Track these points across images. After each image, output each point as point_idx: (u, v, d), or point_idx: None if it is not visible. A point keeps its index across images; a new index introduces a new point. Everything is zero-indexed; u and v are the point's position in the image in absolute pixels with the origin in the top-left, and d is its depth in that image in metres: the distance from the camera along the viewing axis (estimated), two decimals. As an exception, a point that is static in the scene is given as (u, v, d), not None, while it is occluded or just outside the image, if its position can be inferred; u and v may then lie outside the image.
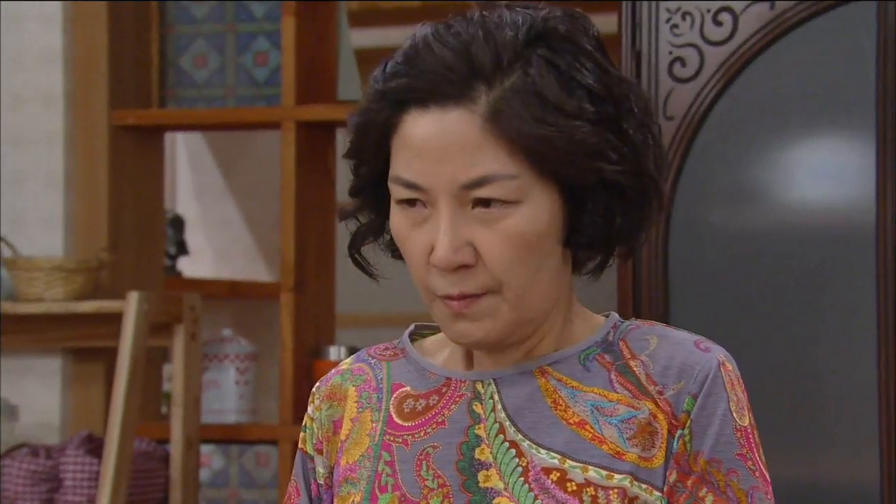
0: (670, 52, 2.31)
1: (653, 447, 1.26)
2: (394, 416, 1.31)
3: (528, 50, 1.23)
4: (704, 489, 1.26)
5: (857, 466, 2.24)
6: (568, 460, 1.26)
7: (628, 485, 1.25)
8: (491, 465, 1.27)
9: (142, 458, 2.92)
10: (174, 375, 2.92)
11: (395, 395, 1.32)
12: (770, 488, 1.28)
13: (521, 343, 1.29)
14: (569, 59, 1.24)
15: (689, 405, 1.26)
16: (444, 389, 1.30)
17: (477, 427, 1.28)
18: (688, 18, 2.31)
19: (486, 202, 1.23)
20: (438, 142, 1.22)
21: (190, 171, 4.40)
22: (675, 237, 2.31)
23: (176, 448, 2.88)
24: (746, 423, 1.28)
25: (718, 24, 2.30)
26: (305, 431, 1.36)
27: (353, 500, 1.30)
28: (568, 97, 1.22)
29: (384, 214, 1.29)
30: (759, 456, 1.28)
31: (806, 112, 2.29)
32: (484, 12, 1.27)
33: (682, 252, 2.31)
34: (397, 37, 4.45)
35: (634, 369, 1.28)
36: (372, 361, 1.35)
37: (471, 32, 1.24)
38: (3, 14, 3.14)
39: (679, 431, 1.26)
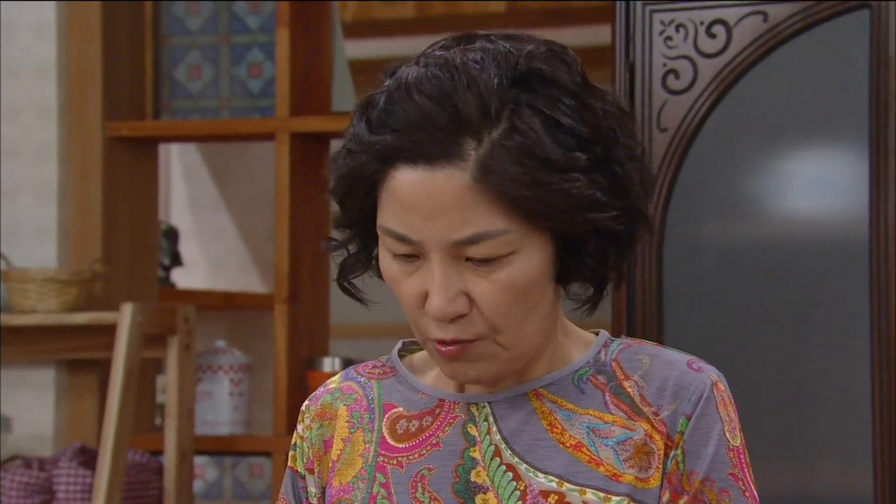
0: (664, 64, 2.31)
1: (649, 468, 1.26)
2: (387, 437, 1.30)
3: (513, 93, 1.21)
4: None
5: (851, 477, 2.24)
6: (566, 483, 1.25)
7: None
8: (488, 488, 1.27)
9: (135, 470, 2.91)
10: (168, 387, 2.91)
11: (387, 416, 1.31)
12: None
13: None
14: (554, 102, 1.21)
15: (684, 426, 1.27)
16: (437, 411, 1.30)
17: (472, 450, 1.28)
18: (681, 30, 2.31)
19: (478, 259, 1.22)
20: (428, 199, 1.21)
21: (184, 183, 4.40)
22: (668, 248, 2.31)
23: (170, 460, 2.87)
24: (738, 443, 1.28)
25: (712, 36, 2.30)
26: (296, 450, 1.35)
27: None
28: (558, 148, 1.20)
29: (372, 244, 1.28)
30: (750, 475, 1.29)
31: (799, 124, 2.29)
32: (466, 47, 1.24)
33: (675, 263, 2.31)
34: (392, 48, 4.45)
35: (628, 390, 1.28)
36: (361, 380, 1.34)
37: (453, 79, 1.21)
38: (-2, 25, 3.14)
39: (672, 452, 1.26)
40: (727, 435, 1.27)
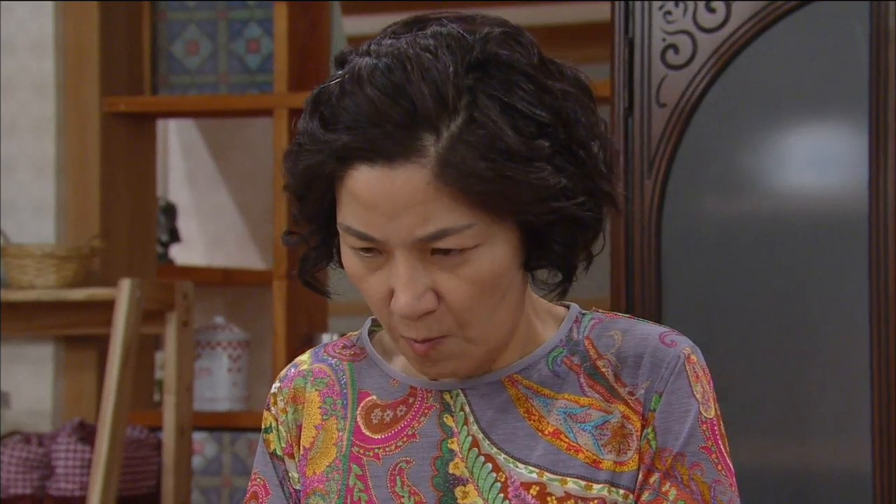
0: (663, 39, 2.30)
1: (628, 450, 1.24)
2: (361, 426, 1.27)
3: (469, 81, 1.17)
4: (668, 483, 1.24)
5: (849, 452, 2.24)
6: (546, 473, 1.24)
7: (607, 494, 1.23)
8: (468, 480, 1.24)
9: (134, 446, 2.92)
10: (166, 363, 2.91)
11: (361, 405, 1.28)
12: (734, 479, 1.27)
13: None
14: (512, 88, 1.17)
15: (656, 403, 1.25)
16: (410, 400, 1.27)
17: (450, 441, 1.25)
18: (681, 5, 2.30)
19: (445, 250, 1.18)
20: (388, 198, 1.17)
21: (182, 159, 4.39)
22: (667, 224, 2.30)
23: (168, 435, 2.88)
24: (712, 414, 1.26)
25: (711, 10, 2.30)
26: (271, 433, 1.31)
27: None
28: (519, 138, 1.16)
29: (333, 238, 1.24)
30: (724, 447, 1.27)
31: (799, 99, 2.29)
32: (417, 33, 1.19)
33: (674, 239, 2.31)
34: (390, 23, 4.44)
35: (602, 370, 1.26)
36: (332, 362, 1.31)
37: (406, 70, 1.16)
38: (-5, 0, 3.13)
39: (644, 430, 1.25)
40: (700, 407, 1.26)
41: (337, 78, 1.19)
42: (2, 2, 3.13)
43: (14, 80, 3.12)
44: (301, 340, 3.13)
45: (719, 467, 1.26)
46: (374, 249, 1.20)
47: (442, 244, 1.18)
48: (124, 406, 2.78)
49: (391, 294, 1.20)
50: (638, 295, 2.30)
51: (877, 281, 2.22)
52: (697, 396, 1.26)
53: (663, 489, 1.24)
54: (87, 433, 2.90)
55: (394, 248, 1.19)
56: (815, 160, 2.29)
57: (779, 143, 2.30)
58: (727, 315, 2.29)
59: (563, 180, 1.18)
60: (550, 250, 1.22)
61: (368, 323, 1.33)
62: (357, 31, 3.56)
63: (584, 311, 1.30)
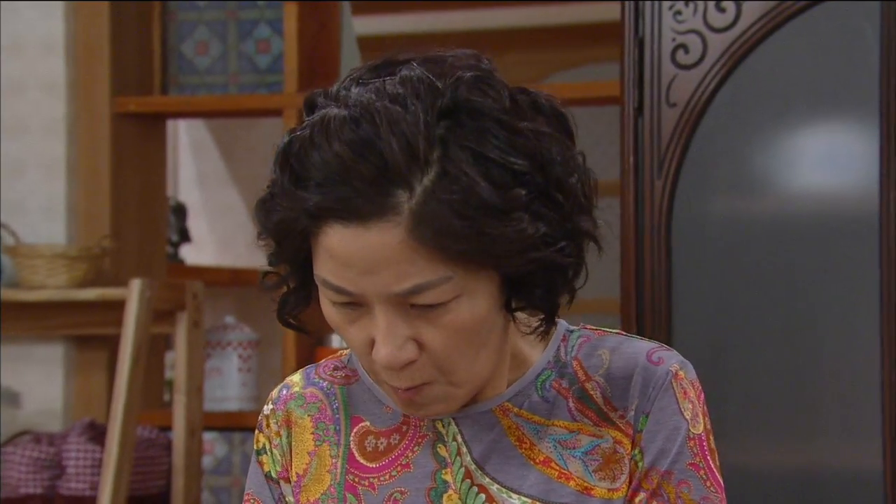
0: (673, 39, 2.30)
1: (621, 475, 1.23)
2: (356, 454, 1.27)
3: (440, 132, 1.14)
4: (654, 503, 1.23)
5: (860, 452, 2.24)
6: (538, 503, 1.23)
7: None
8: None
9: (144, 446, 2.92)
10: (177, 363, 2.92)
11: (354, 431, 1.27)
12: (723, 495, 1.25)
13: None
14: (484, 136, 1.14)
15: (643, 424, 1.24)
16: (403, 428, 1.26)
17: (444, 472, 1.24)
18: (691, 5, 2.30)
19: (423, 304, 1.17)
20: (364, 256, 1.14)
21: (192, 159, 4.40)
22: (677, 225, 2.30)
23: (178, 435, 2.88)
24: (700, 430, 1.25)
25: (722, 10, 2.29)
26: (265, 454, 1.31)
27: None
28: (495, 190, 1.13)
29: (310, 282, 1.21)
30: (713, 462, 1.25)
31: (810, 99, 2.28)
32: (385, 81, 1.16)
33: (684, 239, 2.30)
34: (400, 24, 4.44)
35: (591, 393, 1.24)
36: (324, 385, 1.30)
37: (374, 122, 1.13)
38: (4, 2, 3.13)
39: (632, 451, 1.24)
40: (688, 426, 1.24)
41: (306, 128, 1.17)
42: (12, 1, 3.13)
43: (24, 80, 3.12)
44: (311, 340, 3.13)
45: (707, 483, 1.24)
46: (353, 303, 1.18)
47: (419, 299, 1.16)
48: (135, 406, 2.79)
49: (372, 343, 1.19)
50: (648, 295, 2.29)
51: (887, 280, 2.21)
52: (686, 414, 1.24)
53: None
54: (97, 433, 2.91)
55: (371, 302, 1.17)
56: (826, 160, 2.29)
57: (789, 143, 2.30)
58: (737, 314, 2.28)
59: (542, 227, 1.16)
60: (532, 294, 1.20)
61: None
62: (367, 30, 3.56)
63: (571, 328, 1.28)
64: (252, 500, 1.31)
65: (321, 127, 1.15)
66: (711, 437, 1.26)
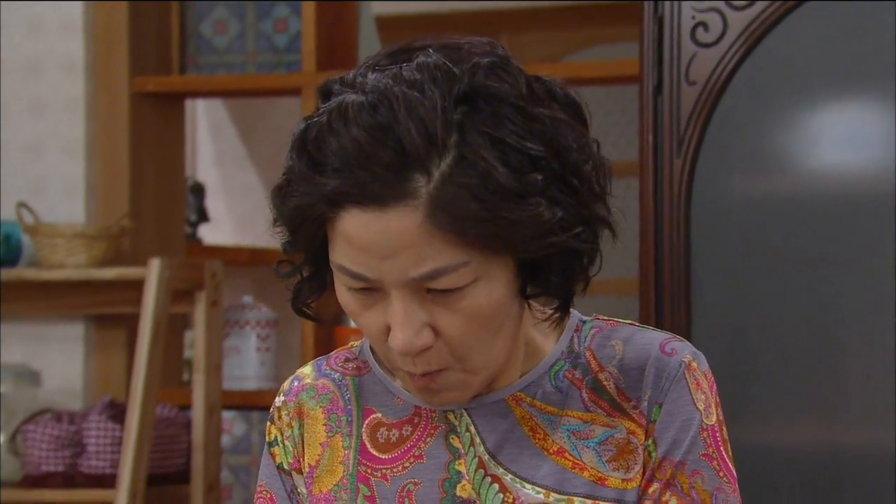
0: (693, 17, 2.29)
1: (635, 465, 1.23)
2: (368, 445, 1.27)
3: (458, 117, 1.14)
4: (668, 493, 1.23)
5: (875, 430, 2.24)
6: (553, 493, 1.22)
7: None
8: (475, 501, 1.23)
9: (164, 424, 2.93)
10: (195, 342, 2.92)
11: (366, 422, 1.27)
12: (736, 485, 1.26)
13: None
14: (502, 121, 1.15)
15: (656, 414, 1.24)
16: (415, 419, 1.26)
17: (457, 462, 1.24)
18: (710, -17, 2.29)
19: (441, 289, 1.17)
20: (381, 240, 1.15)
21: (210, 139, 4.40)
22: (696, 203, 2.30)
23: (198, 414, 2.89)
24: (713, 421, 1.25)
25: (741, -12, 2.29)
26: (277, 446, 1.30)
27: None
28: (512, 174, 1.14)
29: (325, 270, 1.22)
30: (726, 453, 1.25)
31: (830, 77, 2.28)
32: (403, 67, 1.16)
33: (703, 218, 2.30)
34: (418, 5, 4.43)
35: (604, 383, 1.24)
36: (336, 376, 1.30)
37: (392, 108, 1.14)
38: (24, -19, 3.14)
39: (646, 442, 1.24)
40: (701, 416, 1.24)
41: (323, 114, 1.17)
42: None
43: (43, 60, 3.13)
44: (329, 320, 3.14)
45: (721, 474, 1.24)
46: (369, 289, 1.18)
47: (437, 284, 1.16)
48: (154, 385, 2.80)
49: (388, 329, 1.19)
50: (667, 275, 2.29)
51: (907, 260, 2.21)
52: (699, 405, 1.24)
53: (663, 499, 1.23)
54: (117, 411, 2.92)
55: (388, 287, 1.17)
56: (846, 138, 2.28)
57: (809, 122, 2.29)
58: (756, 293, 2.28)
59: (559, 212, 1.16)
60: (547, 281, 1.20)
61: None
62: (384, 10, 3.56)
63: (584, 319, 1.28)
64: (265, 492, 1.31)
65: (339, 113, 1.16)
66: (724, 428, 1.26)
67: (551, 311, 1.23)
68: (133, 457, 2.75)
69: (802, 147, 2.29)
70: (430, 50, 1.17)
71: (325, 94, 1.20)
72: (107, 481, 2.85)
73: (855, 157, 2.28)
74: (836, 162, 2.29)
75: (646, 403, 1.24)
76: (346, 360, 1.30)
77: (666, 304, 2.29)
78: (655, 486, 1.23)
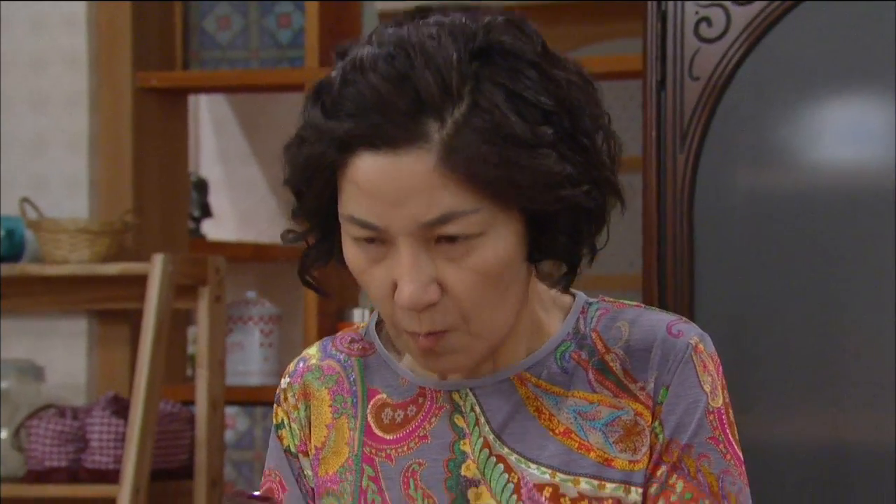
0: (696, 12, 2.29)
1: (642, 447, 1.23)
2: (373, 426, 1.26)
3: (473, 68, 1.16)
4: (675, 476, 1.23)
5: (879, 426, 2.24)
6: (559, 474, 1.22)
7: (623, 494, 1.22)
8: (480, 481, 1.23)
9: (167, 420, 2.93)
10: (199, 337, 2.92)
11: (371, 403, 1.27)
12: (743, 468, 1.26)
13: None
14: (517, 75, 1.16)
15: (663, 396, 1.23)
16: (420, 400, 1.26)
17: (462, 442, 1.24)
18: (714, -22, 2.29)
19: (449, 238, 1.17)
20: (393, 184, 1.15)
21: (213, 134, 4.40)
22: (699, 199, 2.30)
23: (201, 410, 2.89)
24: (720, 403, 1.25)
25: (745, -16, 2.29)
26: (284, 429, 1.30)
27: None
28: (524, 124, 1.15)
29: (333, 234, 1.22)
30: (732, 436, 1.25)
31: (833, 73, 2.28)
32: (420, 23, 1.18)
33: (706, 213, 2.30)
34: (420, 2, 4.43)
35: (611, 364, 1.24)
36: (341, 357, 1.29)
37: (409, 57, 1.15)
38: (27, -24, 3.14)
39: (653, 423, 1.23)
40: (707, 397, 1.24)
41: (338, 69, 1.18)
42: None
43: (46, 55, 3.13)
44: (333, 315, 3.14)
45: (727, 457, 1.24)
46: (377, 240, 1.18)
47: (447, 229, 1.16)
48: (157, 380, 2.80)
49: (394, 287, 1.18)
50: (670, 269, 2.29)
51: (911, 255, 2.21)
52: (705, 388, 1.24)
53: (670, 482, 1.23)
54: (120, 407, 2.92)
55: (397, 237, 1.17)
56: (848, 133, 2.28)
57: (811, 117, 2.29)
58: (759, 288, 2.28)
59: (568, 168, 1.17)
60: (555, 241, 1.20)
61: (375, 315, 1.31)
62: (387, 6, 3.55)
63: (590, 300, 1.28)
64: (273, 474, 1.31)
65: (354, 65, 1.17)
66: (731, 411, 1.26)
67: (558, 278, 1.23)
68: (136, 452, 2.75)
69: (805, 142, 2.29)
70: (448, 10, 1.20)
71: (342, 55, 1.21)
72: (110, 477, 2.85)
73: (857, 151, 2.28)
74: (839, 157, 2.29)
75: (652, 385, 1.23)
76: (352, 340, 1.30)
77: (669, 299, 2.29)
78: (663, 468, 1.23)
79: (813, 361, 2.27)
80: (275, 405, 1.32)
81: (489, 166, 1.15)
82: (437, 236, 1.17)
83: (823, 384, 2.26)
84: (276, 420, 1.31)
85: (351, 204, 1.18)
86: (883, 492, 2.22)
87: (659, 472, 1.23)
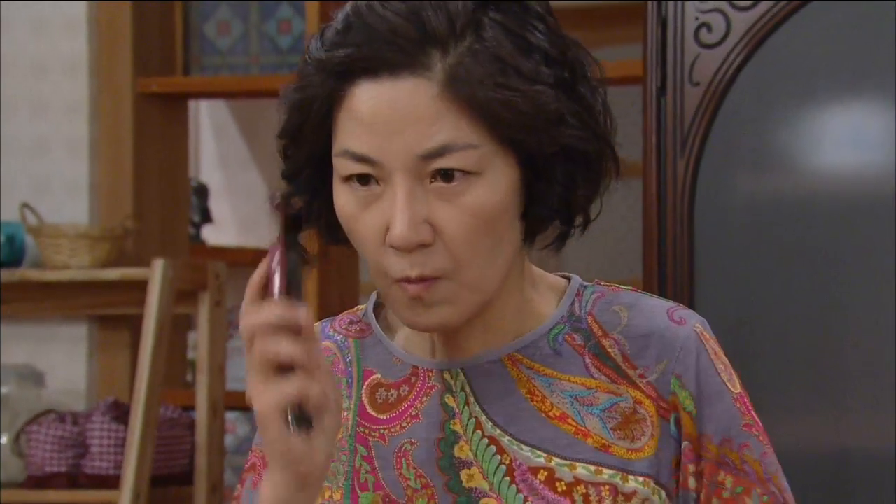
0: (696, 18, 2.30)
1: (642, 436, 1.22)
2: (367, 406, 1.25)
3: (480, 13, 1.17)
4: (722, 473, 1.22)
5: (881, 431, 2.24)
6: (554, 458, 1.21)
7: (619, 481, 1.21)
8: (472, 463, 1.22)
9: (167, 425, 2.93)
10: (199, 343, 2.92)
11: (366, 383, 1.26)
12: (769, 440, 1.25)
13: (481, 323, 1.22)
14: (521, 21, 1.18)
15: (675, 385, 1.22)
16: (412, 379, 1.24)
17: (452, 422, 1.23)
18: (714, -16, 2.29)
19: (445, 175, 1.16)
20: (392, 112, 1.14)
21: (214, 140, 4.40)
22: (700, 202, 2.30)
23: (201, 415, 2.89)
24: (738, 388, 1.24)
25: (745, -11, 2.29)
26: None
27: (332, 497, 1.24)
28: (525, 60, 1.16)
29: (322, 197, 1.21)
30: (755, 416, 1.25)
31: (833, 78, 2.28)
32: None
33: (707, 219, 2.30)
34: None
35: (609, 350, 1.23)
36: (338, 338, 1.29)
37: None
38: (28, -18, 3.14)
39: (673, 415, 1.22)
40: (728, 385, 1.23)
41: (343, 10, 1.20)
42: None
43: (47, 60, 3.13)
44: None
45: (761, 439, 1.24)
46: (371, 180, 1.17)
47: (444, 162, 1.15)
48: (157, 385, 2.80)
49: (385, 231, 1.17)
50: (671, 275, 2.29)
51: (911, 260, 2.21)
52: (723, 376, 1.23)
53: (718, 479, 1.21)
54: (121, 412, 2.92)
55: (392, 172, 1.16)
56: (849, 138, 2.28)
57: (812, 122, 2.29)
58: (760, 293, 2.28)
59: (565, 111, 1.18)
60: (550, 190, 1.19)
61: (374, 297, 1.30)
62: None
63: (585, 284, 1.27)
64: (259, 450, 1.30)
65: (361, 7, 1.17)
66: (746, 392, 1.26)
67: (552, 240, 1.22)
68: (136, 458, 2.75)
69: (806, 147, 2.30)
70: None
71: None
72: (110, 482, 2.85)
73: (858, 156, 2.28)
74: (840, 162, 2.30)
75: (656, 374, 1.22)
76: (351, 322, 1.30)
77: (669, 304, 2.29)
78: (705, 464, 1.21)
79: (814, 366, 2.27)
80: None
81: (489, 88, 1.15)
82: (432, 172, 1.16)
83: (824, 388, 2.26)
84: None
85: (346, 137, 1.17)
86: (884, 493, 2.22)
87: (705, 471, 1.21)
